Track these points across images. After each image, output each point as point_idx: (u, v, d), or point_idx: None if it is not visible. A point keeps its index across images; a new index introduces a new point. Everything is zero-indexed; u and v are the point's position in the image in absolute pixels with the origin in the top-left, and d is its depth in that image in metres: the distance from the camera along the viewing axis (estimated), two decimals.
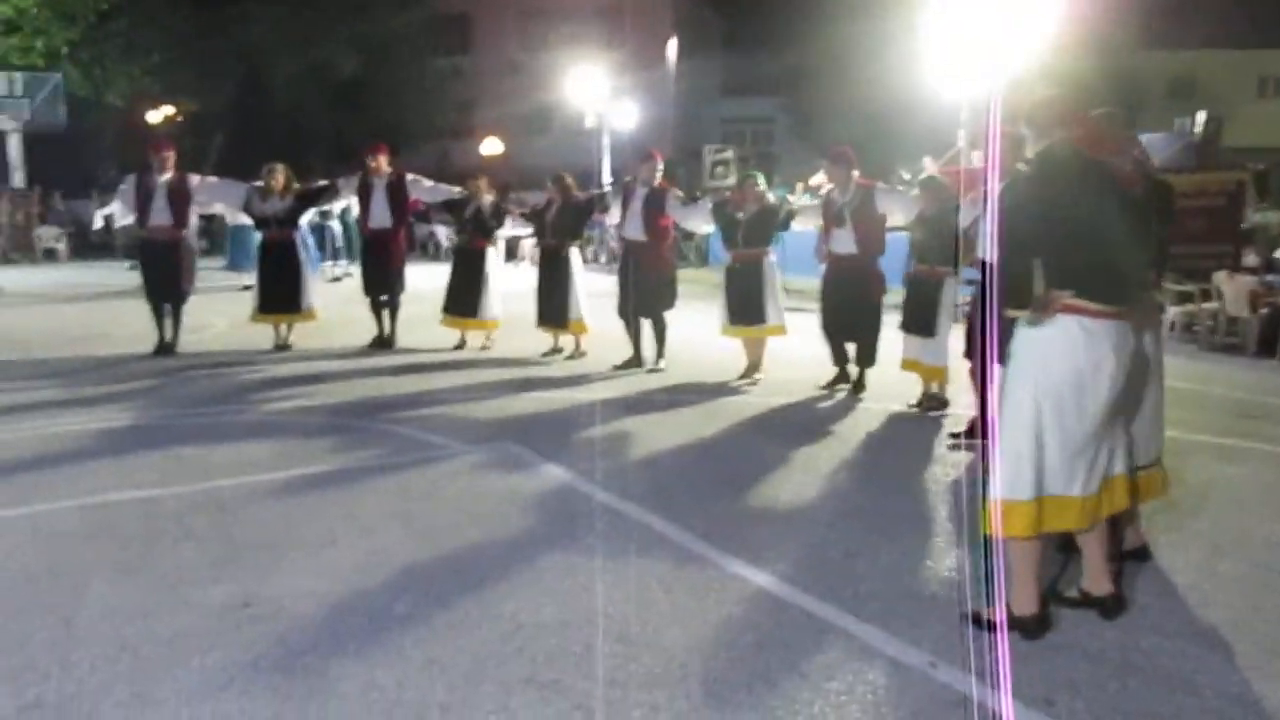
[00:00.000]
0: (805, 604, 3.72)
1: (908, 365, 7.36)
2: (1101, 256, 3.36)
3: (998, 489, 3.42)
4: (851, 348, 7.85)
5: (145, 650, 3.28)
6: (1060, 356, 3.37)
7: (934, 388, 7.26)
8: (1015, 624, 3.48)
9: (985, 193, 6.30)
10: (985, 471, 3.55)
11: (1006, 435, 3.44)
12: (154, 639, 3.36)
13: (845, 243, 7.62)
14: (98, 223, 12.25)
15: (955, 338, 6.96)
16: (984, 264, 6.29)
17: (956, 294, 7.35)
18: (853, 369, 7.86)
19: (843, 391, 7.78)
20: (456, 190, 9.85)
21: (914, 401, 7.30)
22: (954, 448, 6.09)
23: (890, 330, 7.64)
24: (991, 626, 3.39)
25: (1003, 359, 3.56)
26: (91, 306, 13.32)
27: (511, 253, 21.66)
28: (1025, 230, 3.37)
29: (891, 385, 7.70)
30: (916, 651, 3.34)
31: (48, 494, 4.91)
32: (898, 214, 7.71)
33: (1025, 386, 3.41)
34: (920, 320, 7.14)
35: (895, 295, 7.66)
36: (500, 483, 5.25)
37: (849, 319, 7.71)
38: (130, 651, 3.27)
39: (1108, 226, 3.35)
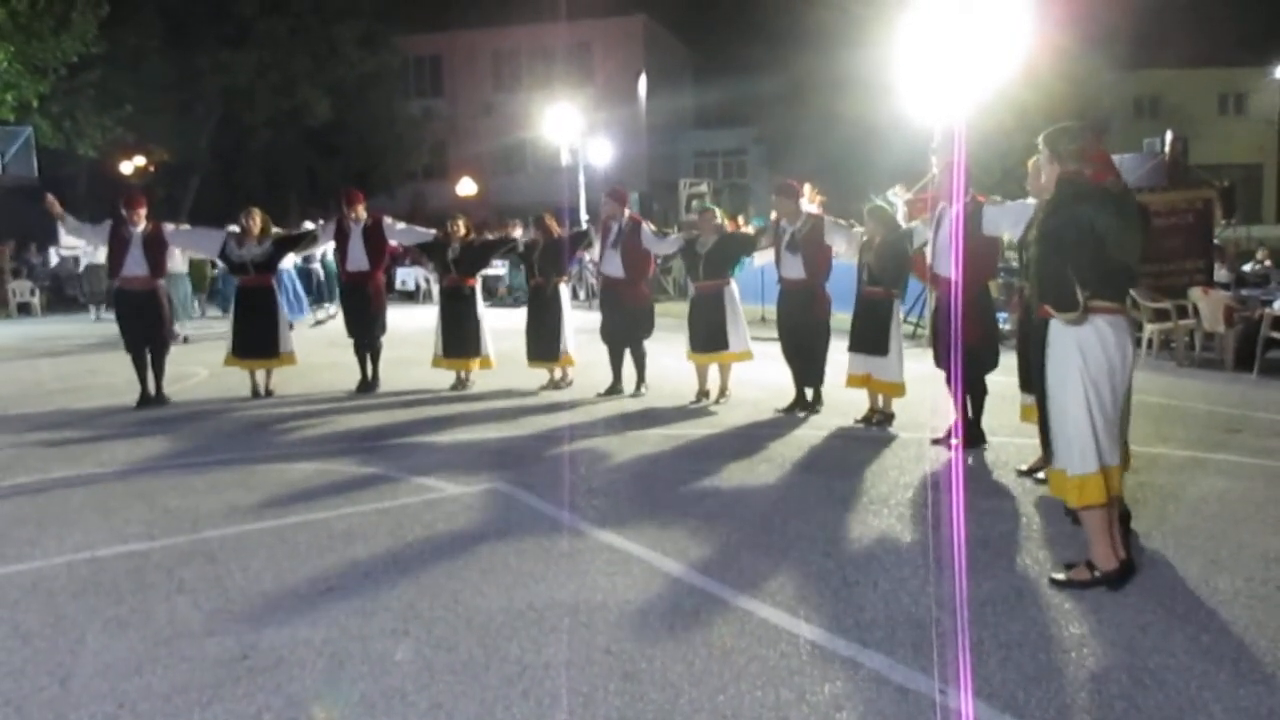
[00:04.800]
0: (809, 634, 3.70)
1: (856, 382, 7.60)
2: (1117, 264, 3.97)
3: (1073, 465, 4.01)
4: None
5: (143, 707, 3.22)
6: (1093, 348, 3.96)
7: (881, 402, 7.56)
8: (1102, 579, 4.04)
9: (940, 214, 6.45)
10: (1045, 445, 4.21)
11: (1069, 418, 4.01)
12: (152, 695, 3.30)
13: (794, 268, 7.99)
14: (82, 249, 11.69)
15: (908, 355, 7.50)
16: (939, 279, 6.42)
17: (902, 313, 7.60)
18: (808, 391, 8.16)
19: (805, 414, 8.03)
20: (431, 232, 9.86)
21: (860, 417, 7.60)
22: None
23: (837, 352, 7.92)
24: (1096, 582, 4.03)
25: (1039, 355, 4.15)
26: (68, 360, 13.18)
27: (490, 292, 21.69)
28: (1065, 247, 3.95)
29: (858, 408, 7.81)
30: (924, 678, 3.32)
31: (35, 551, 4.83)
32: (841, 246, 7.97)
33: (1074, 374, 3.98)
34: (872, 339, 7.43)
35: (841, 319, 7.91)
36: (495, 523, 5.21)
37: (798, 339, 8.07)
38: (128, 709, 3.21)
39: (1123, 239, 3.94)
